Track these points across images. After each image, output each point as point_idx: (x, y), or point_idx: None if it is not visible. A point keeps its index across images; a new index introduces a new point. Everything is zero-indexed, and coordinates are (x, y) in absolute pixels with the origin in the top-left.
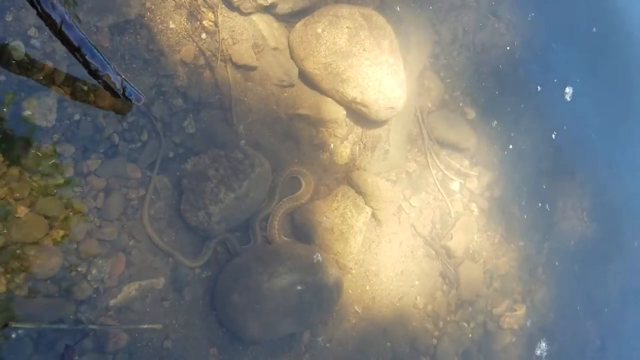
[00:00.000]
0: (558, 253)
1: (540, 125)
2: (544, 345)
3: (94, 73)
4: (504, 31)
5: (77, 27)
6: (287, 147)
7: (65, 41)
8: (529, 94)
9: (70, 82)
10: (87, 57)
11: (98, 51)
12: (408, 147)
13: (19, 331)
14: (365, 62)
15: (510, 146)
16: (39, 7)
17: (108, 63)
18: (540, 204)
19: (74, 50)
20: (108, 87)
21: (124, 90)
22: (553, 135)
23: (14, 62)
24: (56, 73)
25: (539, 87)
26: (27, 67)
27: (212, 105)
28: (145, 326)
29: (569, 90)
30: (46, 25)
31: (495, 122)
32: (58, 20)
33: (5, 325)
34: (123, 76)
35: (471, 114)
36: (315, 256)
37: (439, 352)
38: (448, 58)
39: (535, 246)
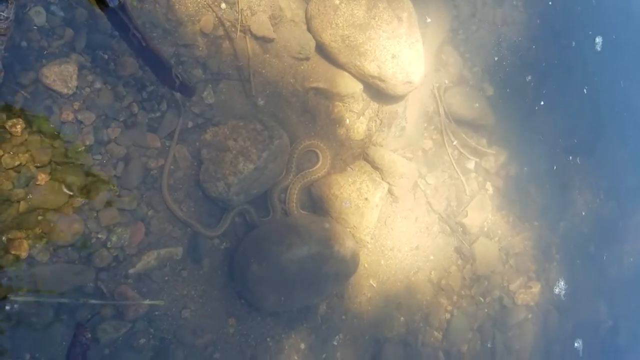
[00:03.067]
0: (573, 232)
1: (571, 79)
2: (562, 284)
3: None
4: (521, 9)
5: None
6: (304, 121)
7: None
8: (562, 49)
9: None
10: None
11: None
12: (424, 124)
13: (15, 305)
14: (384, 34)
15: (542, 102)
16: None
17: None
18: (556, 182)
19: None
20: None
21: None
22: (585, 90)
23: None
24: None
25: (573, 43)
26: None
27: (231, 76)
28: (148, 302)
29: (599, 40)
30: None
31: (529, 77)
32: None
33: (4, 298)
34: None
35: (490, 90)
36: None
37: (452, 327)
38: (467, 32)
39: (551, 225)
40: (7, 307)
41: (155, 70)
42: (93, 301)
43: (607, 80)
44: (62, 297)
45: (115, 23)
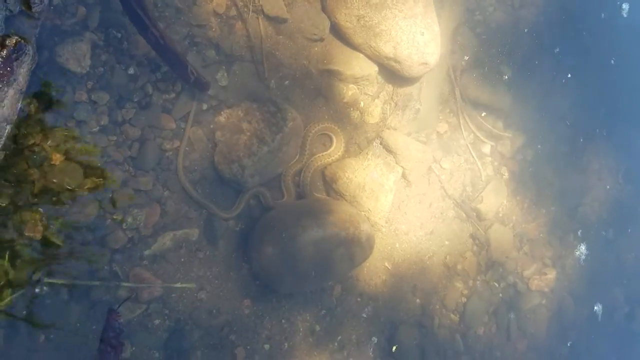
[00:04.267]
0: (591, 218)
1: (596, 56)
2: (583, 248)
3: None
4: None
5: None
6: (318, 103)
7: None
8: (586, 24)
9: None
10: None
11: None
12: (440, 107)
13: (44, 287)
14: (400, 14)
15: (569, 75)
16: None
17: None
18: (574, 167)
19: None
20: None
21: None
22: (612, 61)
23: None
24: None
25: (602, 15)
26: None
27: (244, 58)
28: (179, 285)
29: (625, 6)
30: None
31: (557, 49)
32: None
33: (38, 281)
34: None
35: (507, 72)
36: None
37: (468, 310)
38: (484, 14)
39: (567, 211)
40: (37, 290)
41: (172, 65)
42: (125, 284)
43: (636, 47)
44: (95, 280)
45: (135, 22)
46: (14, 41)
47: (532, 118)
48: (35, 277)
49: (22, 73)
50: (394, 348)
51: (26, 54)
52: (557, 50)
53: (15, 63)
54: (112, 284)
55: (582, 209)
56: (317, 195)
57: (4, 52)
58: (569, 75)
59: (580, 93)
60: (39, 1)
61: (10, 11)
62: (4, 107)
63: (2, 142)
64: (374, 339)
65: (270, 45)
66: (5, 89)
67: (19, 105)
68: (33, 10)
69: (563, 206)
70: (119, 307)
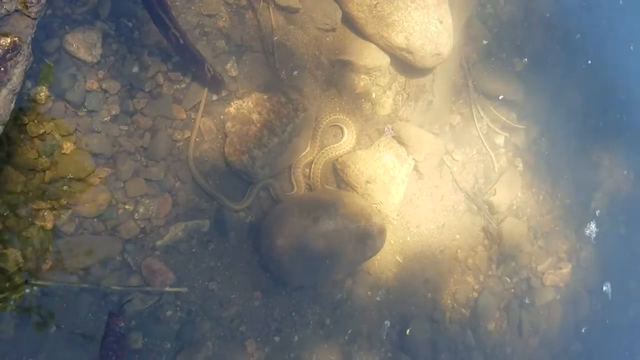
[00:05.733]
0: (605, 211)
1: (611, 46)
2: (593, 226)
3: None
4: None
5: None
6: (329, 94)
7: None
8: (601, 15)
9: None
10: None
11: None
12: (453, 98)
13: (34, 288)
14: (412, 4)
15: (589, 61)
16: None
17: None
18: (588, 159)
19: None
20: None
21: None
22: (631, 47)
23: None
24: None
25: (620, 1)
26: None
27: (254, 48)
28: (168, 289)
29: None
30: None
31: (578, 36)
32: None
33: (25, 283)
34: None
35: (520, 64)
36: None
37: (480, 305)
38: (496, 7)
39: (582, 204)
40: (27, 290)
41: (189, 63)
42: (115, 287)
43: None
44: (82, 282)
45: (157, 22)
46: (9, 41)
47: (546, 110)
48: (46, 266)
49: (16, 73)
50: (407, 331)
51: (21, 54)
52: (578, 36)
53: (9, 63)
54: (98, 287)
55: (594, 203)
56: (327, 188)
57: None
58: (589, 62)
59: (595, 85)
60: (36, 1)
61: (7, 10)
62: None
63: None
64: (385, 332)
65: (281, 36)
66: None
67: (12, 106)
68: (29, 10)
69: (578, 199)
70: (120, 309)
